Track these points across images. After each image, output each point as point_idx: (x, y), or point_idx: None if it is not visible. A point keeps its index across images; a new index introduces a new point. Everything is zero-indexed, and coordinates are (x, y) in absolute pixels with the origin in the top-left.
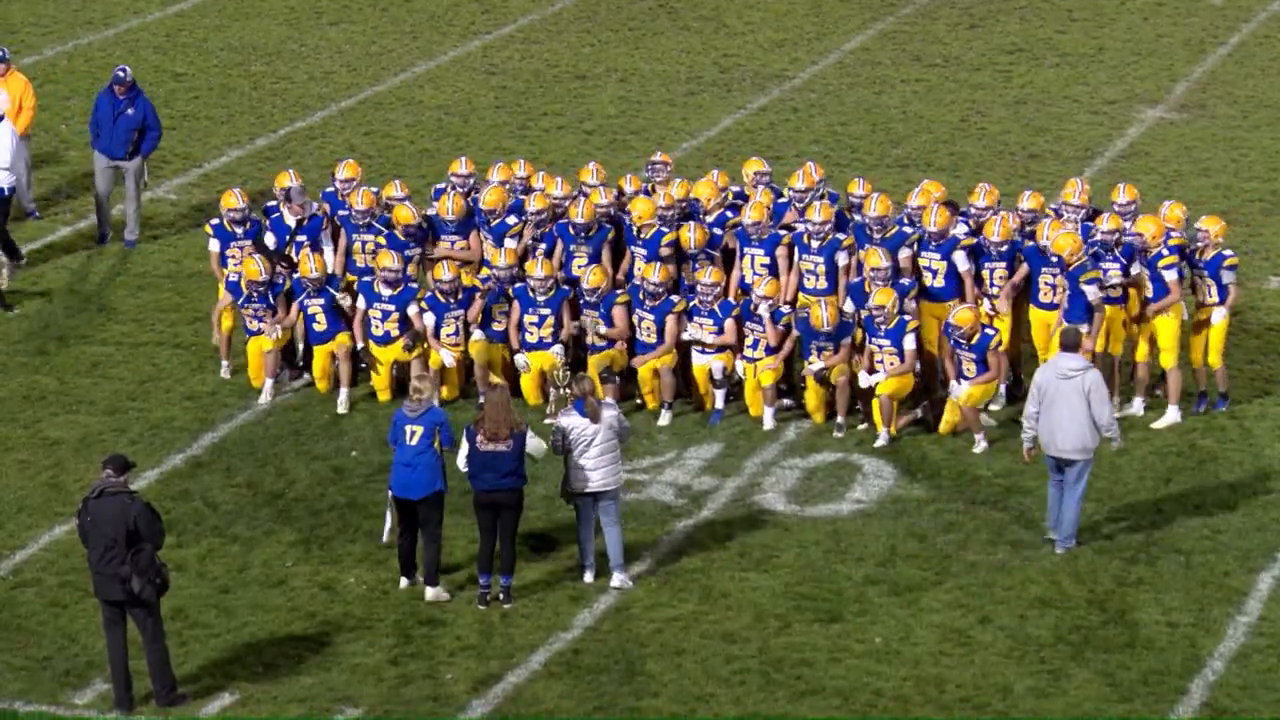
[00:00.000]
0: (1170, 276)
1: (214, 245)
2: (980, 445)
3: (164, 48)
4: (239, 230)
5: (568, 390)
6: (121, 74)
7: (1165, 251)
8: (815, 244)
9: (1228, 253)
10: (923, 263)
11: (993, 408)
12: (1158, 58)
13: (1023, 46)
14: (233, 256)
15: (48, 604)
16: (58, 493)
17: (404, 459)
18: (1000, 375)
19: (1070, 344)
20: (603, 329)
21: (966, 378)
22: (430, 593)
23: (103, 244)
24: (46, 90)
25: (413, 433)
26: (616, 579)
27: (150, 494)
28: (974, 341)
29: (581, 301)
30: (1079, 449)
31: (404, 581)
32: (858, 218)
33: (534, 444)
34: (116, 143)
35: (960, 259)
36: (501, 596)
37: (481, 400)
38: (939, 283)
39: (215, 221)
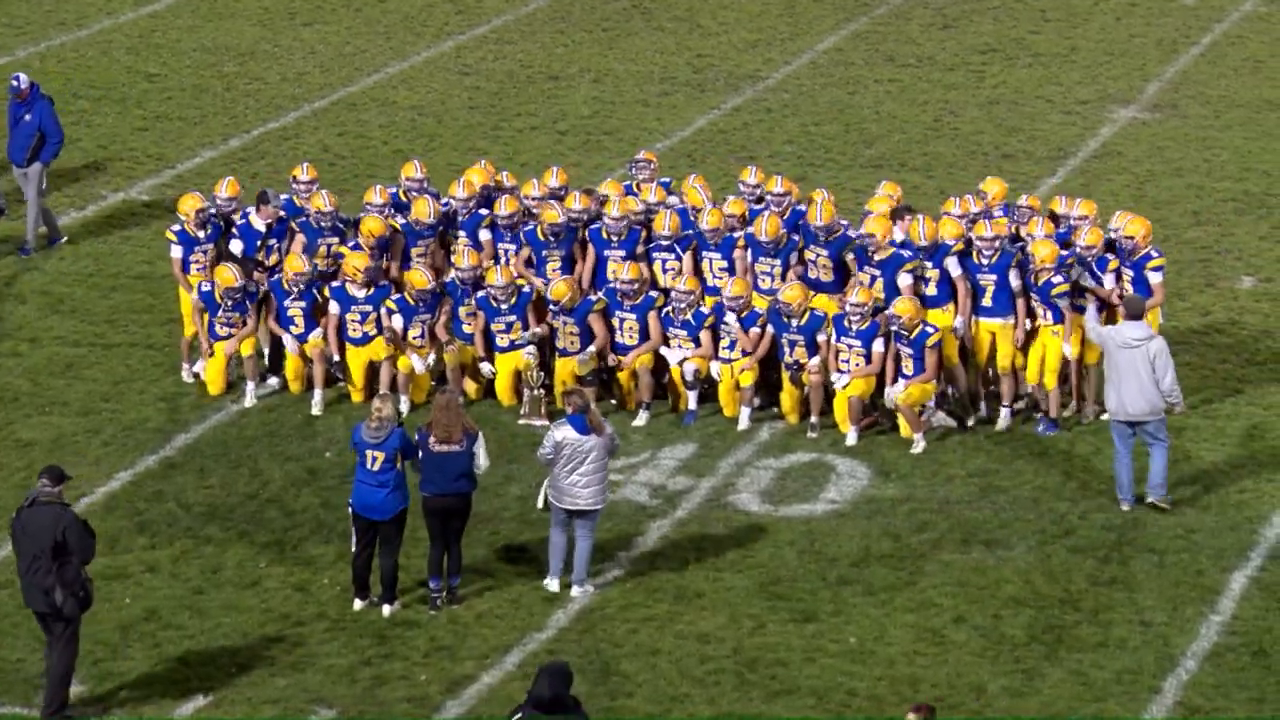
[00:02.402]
0: (1156, 279)
1: (176, 251)
2: (919, 446)
3: (137, 48)
4: (202, 234)
5: (541, 390)
6: (15, 82)
7: (1154, 254)
8: (770, 247)
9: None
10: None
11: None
12: (1130, 58)
13: (996, 46)
14: (196, 262)
15: (20, 606)
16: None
17: (367, 480)
18: (936, 375)
19: (1136, 313)
20: (587, 355)
21: (905, 376)
22: (387, 610)
23: (53, 245)
24: None
25: (374, 458)
26: (576, 590)
27: (123, 495)
28: (913, 336)
29: (551, 313)
30: (1150, 411)
31: (358, 603)
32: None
33: (480, 451)
34: (16, 149)
35: (952, 265)
36: (448, 597)
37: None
38: (931, 290)
39: (177, 227)
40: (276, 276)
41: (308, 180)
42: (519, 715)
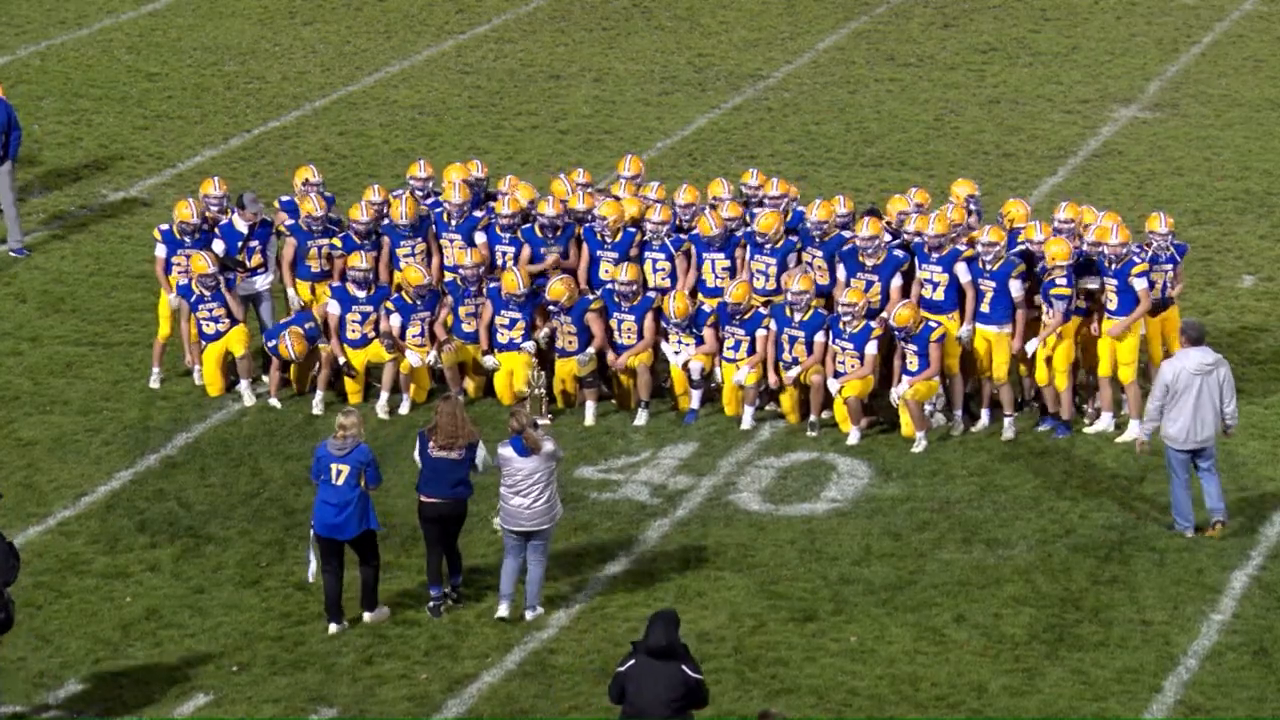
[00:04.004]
0: (1140, 285)
1: (160, 251)
2: (920, 445)
3: (137, 47)
4: (187, 239)
5: (541, 390)
6: None
7: (1136, 259)
8: (768, 246)
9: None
10: (923, 275)
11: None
12: (1131, 57)
13: (996, 46)
14: (178, 264)
15: (21, 604)
16: (31, 493)
17: (330, 498)
18: (940, 370)
19: (1199, 337)
20: (587, 356)
21: (909, 373)
22: (369, 616)
23: None
24: (20, 90)
25: (339, 471)
26: (529, 615)
27: (124, 494)
28: (915, 334)
29: (550, 312)
30: (1214, 435)
31: (333, 627)
32: (807, 224)
33: (481, 455)
34: None
35: (962, 271)
36: (453, 597)
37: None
38: (939, 295)
39: (165, 227)
40: (274, 346)
41: (318, 182)
42: (630, 662)
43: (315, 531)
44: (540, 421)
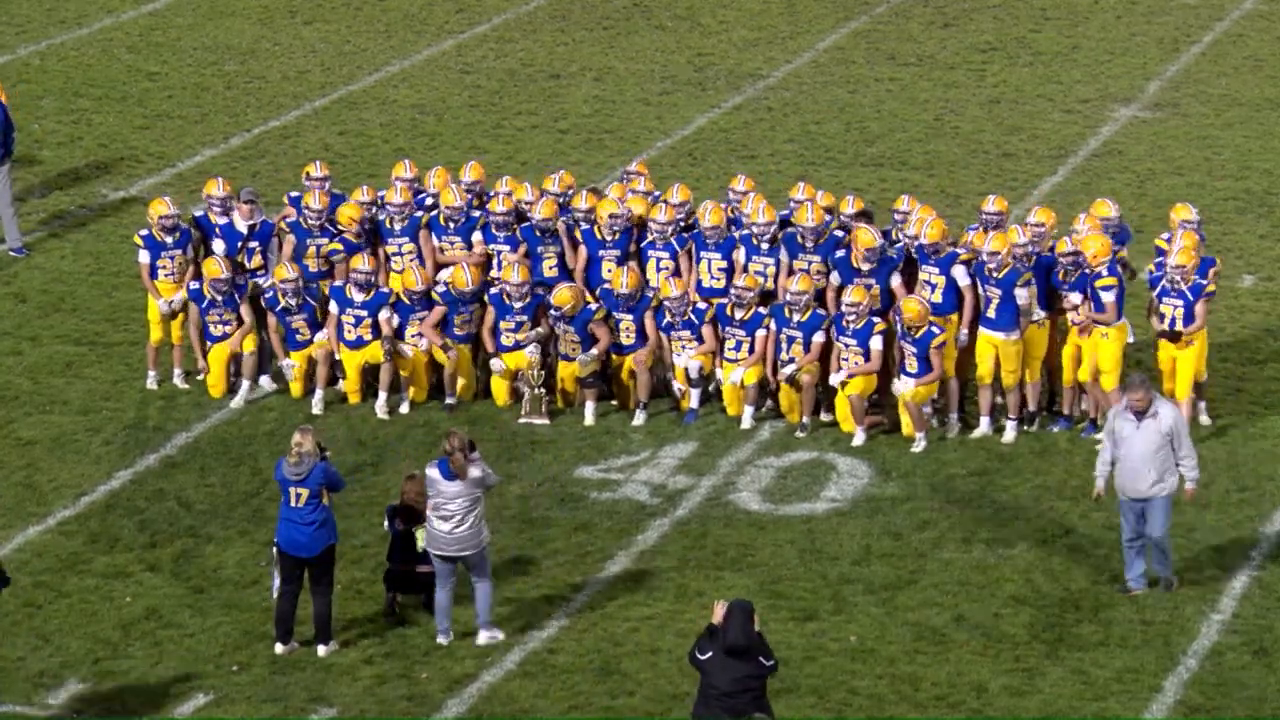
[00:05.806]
0: (1108, 298)
1: (144, 257)
2: (920, 444)
3: (137, 47)
4: (169, 240)
5: (542, 390)
6: None
7: (1104, 272)
8: (765, 246)
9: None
10: (923, 276)
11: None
12: (1131, 56)
13: (996, 45)
14: (163, 268)
15: (21, 604)
16: (31, 493)
17: (292, 517)
18: (940, 374)
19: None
20: (590, 357)
21: (909, 373)
22: (323, 649)
23: None
24: (20, 90)
25: (299, 495)
26: (483, 636)
27: (124, 494)
28: (918, 336)
29: (552, 318)
30: None
31: (279, 647)
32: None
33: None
34: None
35: (960, 274)
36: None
37: (405, 482)
38: (936, 297)
39: (145, 232)
40: (271, 293)
41: (321, 177)
42: (709, 653)
43: (279, 548)
44: (537, 422)
